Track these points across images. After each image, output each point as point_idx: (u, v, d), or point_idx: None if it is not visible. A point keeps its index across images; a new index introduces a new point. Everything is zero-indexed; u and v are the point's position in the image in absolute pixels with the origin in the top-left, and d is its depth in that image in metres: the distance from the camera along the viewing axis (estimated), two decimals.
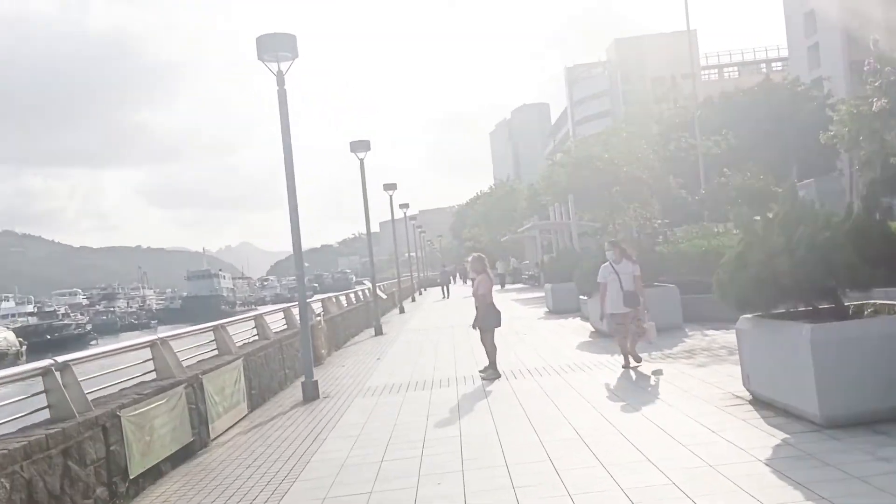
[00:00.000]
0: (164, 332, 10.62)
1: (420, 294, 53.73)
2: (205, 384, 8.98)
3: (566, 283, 22.14)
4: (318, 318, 16.66)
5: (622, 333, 11.04)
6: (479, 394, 10.28)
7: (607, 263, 11.26)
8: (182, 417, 8.14)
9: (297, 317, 17.35)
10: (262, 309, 18.73)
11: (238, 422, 10.09)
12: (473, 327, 11.75)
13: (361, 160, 22.55)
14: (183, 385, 8.38)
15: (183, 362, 9.61)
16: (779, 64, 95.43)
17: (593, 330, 16.06)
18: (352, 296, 25.93)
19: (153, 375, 8.55)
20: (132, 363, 8.81)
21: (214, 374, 9.34)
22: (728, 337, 12.41)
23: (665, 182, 35.04)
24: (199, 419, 8.72)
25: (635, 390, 9.31)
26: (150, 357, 8.60)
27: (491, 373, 11.41)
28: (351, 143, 22.47)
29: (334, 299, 21.86)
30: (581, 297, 19.52)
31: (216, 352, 10.77)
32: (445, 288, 44.90)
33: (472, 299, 11.86)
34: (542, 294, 29.90)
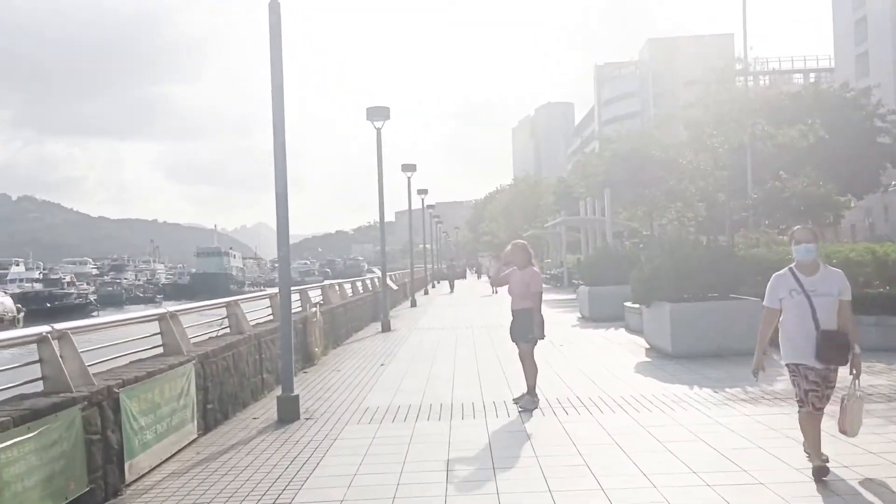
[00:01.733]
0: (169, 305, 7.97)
1: (433, 287, 50.80)
2: (122, 401, 6.09)
3: (606, 286, 19.19)
4: (315, 310, 13.76)
5: (815, 403, 5.74)
6: (519, 435, 7.34)
7: (785, 272, 5.86)
8: (71, 456, 5.26)
9: (301, 302, 14.54)
10: (250, 294, 15.78)
11: (181, 450, 7.21)
12: (514, 339, 8.82)
13: (378, 130, 19.61)
14: (80, 405, 5.49)
15: (104, 364, 6.75)
16: (823, 73, 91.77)
17: (648, 347, 13.10)
18: (358, 284, 23.02)
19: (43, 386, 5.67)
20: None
21: (140, 388, 6.45)
22: (843, 372, 9.43)
23: (716, 182, 31.91)
24: (107, 454, 5.83)
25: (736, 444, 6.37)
26: (39, 358, 5.71)
27: (528, 400, 8.49)
28: (367, 110, 19.53)
29: (337, 287, 18.97)
30: (629, 304, 16.55)
31: (163, 349, 7.89)
32: (452, 282, 44.70)
33: (505, 298, 9.02)
34: (572, 297, 26.89)
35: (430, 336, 17.39)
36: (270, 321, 12.06)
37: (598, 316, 18.94)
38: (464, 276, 73.23)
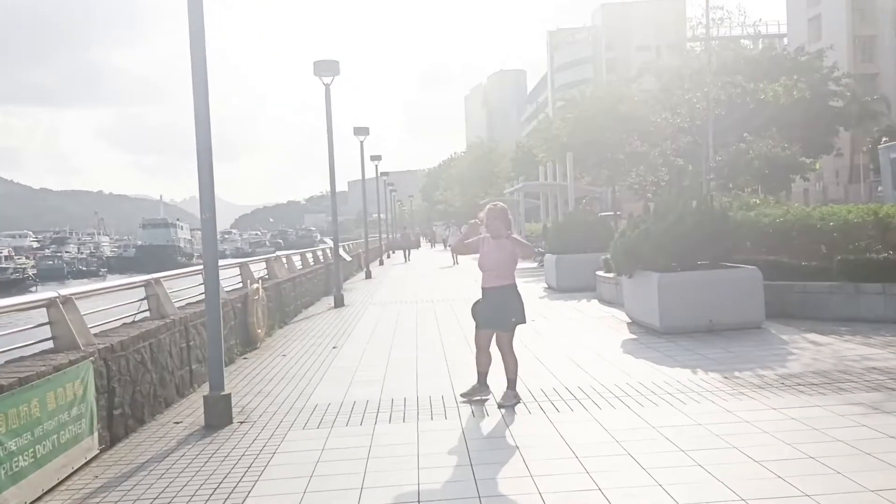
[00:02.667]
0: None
1: (388, 257, 49.21)
2: None
3: (575, 254, 17.90)
4: (257, 286, 12.14)
5: None
6: (505, 443, 5.92)
7: None
8: None
9: (241, 277, 12.89)
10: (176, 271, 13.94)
11: (75, 473, 5.63)
12: (485, 325, 7.23)
13: (327, 86, 17.84)
14: None
15: None
16: (775, 39, 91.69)
17: (629, 321, 11.83)
18: (309, 256, 21.35)
19: None
20: None
21: (8, 400, 4.84)
22: (859, 349, 8.26)
23: (675, 146, 30.80)
24: None
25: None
26: None
27: (510, 395, 7.08)
28: (315, 65, 17.73)
29: (284, 259, 17.30)
30: (602, 274, 15.28)
31: (53, 343, 6.25)
32: (407, 251, 44.01)
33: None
34: (533, 266, 25.67)
35: (387, 312, 15.89)
36: (203, 301, 10.44)
37: (566, 286, 17.67)
38: (418, 246, 71.86)
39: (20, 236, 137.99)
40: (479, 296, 7.18)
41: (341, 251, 21.59)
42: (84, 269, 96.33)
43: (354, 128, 28.63)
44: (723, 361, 8.40)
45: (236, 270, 12.72)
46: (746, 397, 6.80)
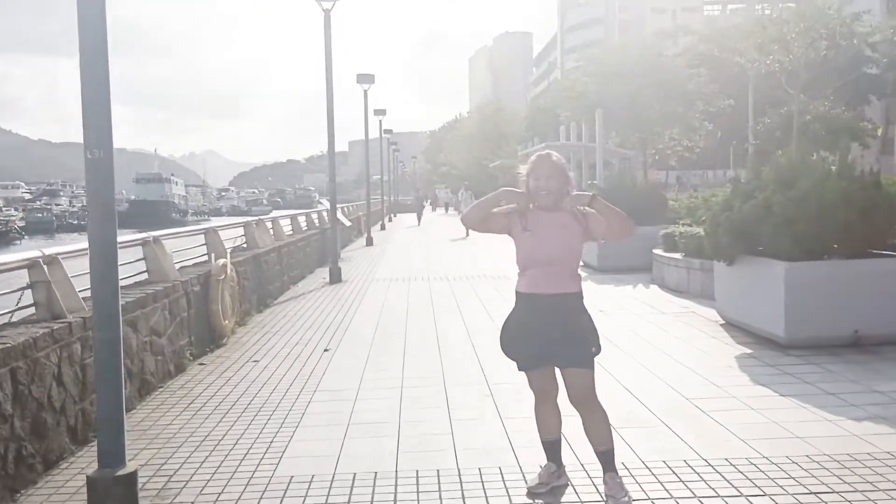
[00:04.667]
0: None
1: (390, 220, 46.19)
2: None
3: None
4: (223, 262, 9.03)
5: None
6: None
7: None
8: None
9: (207, 248, 9.83)
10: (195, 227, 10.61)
11: None
12: (543, 362, 3.97)
13: (327, 12, 14.57)
14: None
15: None
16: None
17: (722, 321, 8.82)
18: (301, 220, 18.25)
19: None
20: None
21: None
22: None
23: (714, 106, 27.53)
24: None
25: None
26: None
27: (616, 487, 4.00)
28: None
29: (270, 225, 14.18)
30: (660, 252, 12.29)
31: None
32: (419, 214, 41.78)
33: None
34: None
35: (394, 293, 12.85)
36: (145, 283, 7.41)
37: (610, 265, 14.63)
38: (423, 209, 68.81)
39: (12, 187, 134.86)
40: (512, 304, 4.04)
41: (339, 214, 18.51)
42: (74, 222, 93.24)
43: (358, 75, 25.38)
44: None
45: (200, 239, 9.63)
46: None
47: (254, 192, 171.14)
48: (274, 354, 8.09)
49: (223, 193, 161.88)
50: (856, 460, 4.45)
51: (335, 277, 14.64)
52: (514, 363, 4.05)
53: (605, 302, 10.81)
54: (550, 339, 3.83)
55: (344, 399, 6.19)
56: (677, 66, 25.44)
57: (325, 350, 8.21)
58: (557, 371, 3.98)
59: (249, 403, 6.15)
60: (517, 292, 3.97)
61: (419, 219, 40.60)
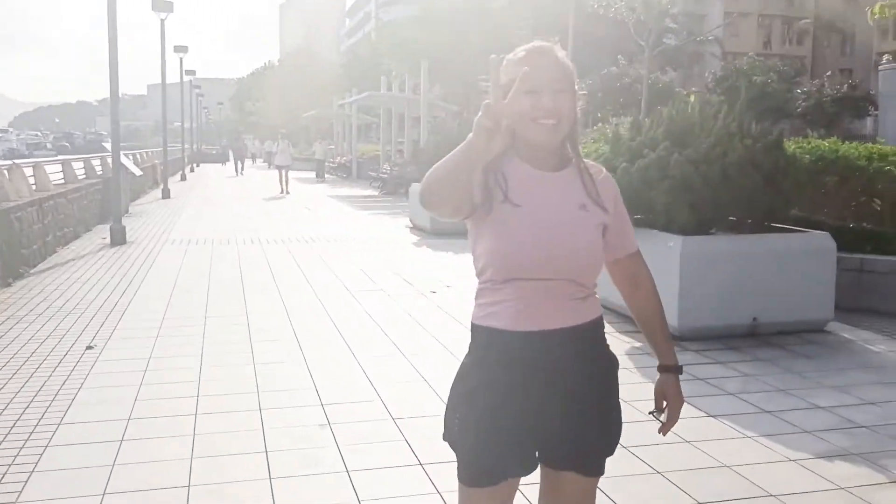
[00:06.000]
0: None
1: (192, 171, 42.27)
2: None
3: None
4: None
5: None
6: None
7: None
8: None
9: None
10: None
11: None
12: (505, 471, 1.92)
13: None
14: None
15: None
16: None
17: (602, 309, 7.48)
18: (77, 166, 15.08)
19: None
20: None
21: None
22: None
23: None
24: None
25: None
26: None
27: None
28: None
29: (30, 171, 11.15)
30: None
31: None
32: (241, 163, 39.74)
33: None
34: (372, 193, 21.00)
35: (193, 261, 10.52)
36: None
37: (443, 228, 13.08)
38: (227, 160, 64.50)
39: None
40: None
41: (126, 161, 15.57)
42: None
43: (153, 1, 21.87)
44: (867, 416, 4.25)
45: None
46: None
47: (36, 135, 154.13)
48: (10, 355, 5.71)
49: (1, 135, 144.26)
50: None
51: (118, 238, 11.98)
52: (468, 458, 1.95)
53: (450, 273, 9.22)
54: (548, 420, 1.90)
55: (102, 440, 4.08)
56: (504, 13, 24.25)
57: (88, 348, 5.93)
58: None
59: None
60: (486, 330, 1.91)
61: (239, 168, 39.23)
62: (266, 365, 5.48)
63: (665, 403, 2.05)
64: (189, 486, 3.54)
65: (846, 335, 6.35)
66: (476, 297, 1.95)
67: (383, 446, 4.01)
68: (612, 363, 2.00)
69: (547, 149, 1.88)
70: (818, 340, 6.17)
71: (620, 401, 2.00)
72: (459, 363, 1.97)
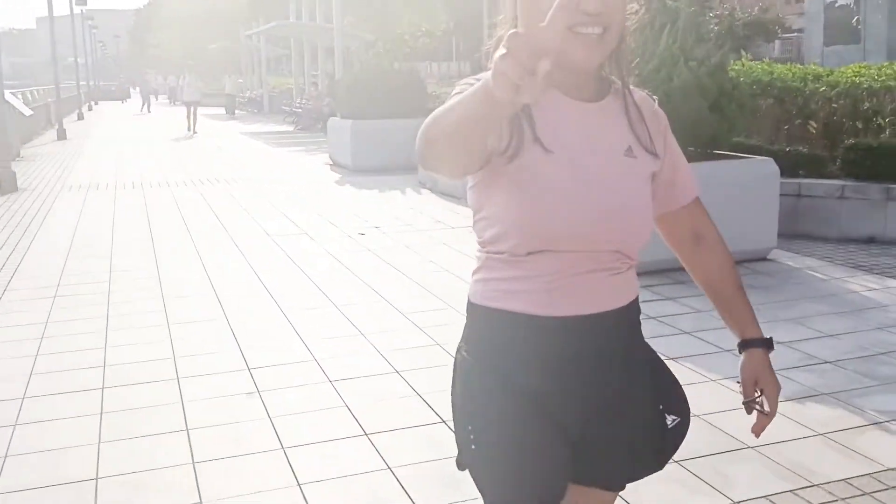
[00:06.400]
0: None
1: (90, 109, 39.88)
2: None
3: (378, 119, 12.67)
4: None
5: None
6: None
7: None
8: None
9: None
10: None
11: None
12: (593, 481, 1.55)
13: None
14: None
15: None
16: None
17: None
18: None
19: None
20: None
21: None
22: None
23: None
24: None
25: None
26: None
27: None
28: None
29: None
30: None
31: None
32: (147, 102, 38.05)
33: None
34: (286, 129, 20.13)
35: (94, 210, 9.67)
36: None
37: (367, 165, 12.53)
38: (127, 97, 61.30)
39: None
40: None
41: (13, 99, 14.26)
42: None
43: None
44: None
45: None
46: None
47: None
48: None
49: None
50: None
51: (7, 186, 10.94)
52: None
53: (374, 213, 8.70)
54: (589, 432, 1.47)
55: None
56: None
57: None
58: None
59: None
60: (503, 315, 1.40)
61: (146, 105, 37.81)
62: (182, 325, 4.93)
63: (759, 391, 1.54)
64: (97, 478, 3.04)
65: (790, 263, 6.22)
66: (477, 271, 1.44)
67: (322, 415, 3.58)
68: (652, 356, 1.58)
69: (586, 70, 1.35)
70: (764, 270, 6.01)
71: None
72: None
